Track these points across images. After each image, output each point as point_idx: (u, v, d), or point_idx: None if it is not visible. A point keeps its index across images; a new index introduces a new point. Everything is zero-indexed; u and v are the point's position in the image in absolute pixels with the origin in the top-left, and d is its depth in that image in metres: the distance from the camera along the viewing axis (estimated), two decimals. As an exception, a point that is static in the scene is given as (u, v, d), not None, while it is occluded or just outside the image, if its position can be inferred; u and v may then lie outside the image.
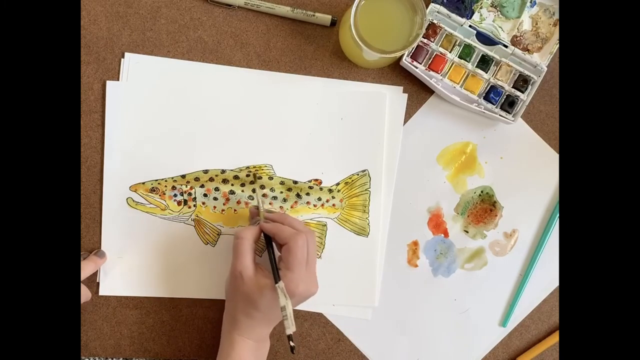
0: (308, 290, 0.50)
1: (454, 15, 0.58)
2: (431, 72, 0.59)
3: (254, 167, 0.59)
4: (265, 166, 0.59)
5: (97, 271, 0.58)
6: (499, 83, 0.59)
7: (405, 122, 0.61)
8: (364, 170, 0.60)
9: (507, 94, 0.60)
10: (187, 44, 0.59)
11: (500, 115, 0.59)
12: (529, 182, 0.62)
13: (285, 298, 0.47)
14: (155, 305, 0.59)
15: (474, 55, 0.59)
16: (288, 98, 0.60)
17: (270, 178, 0.60)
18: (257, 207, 0.55)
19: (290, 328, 0.47)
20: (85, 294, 0.56)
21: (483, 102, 0.59)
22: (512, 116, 0.59)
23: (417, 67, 0.59)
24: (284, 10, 0.59)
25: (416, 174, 0.61)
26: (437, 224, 0.61)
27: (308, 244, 0.50)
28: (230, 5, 0.59)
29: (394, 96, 0.61)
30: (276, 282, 0.48)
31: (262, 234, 0.53)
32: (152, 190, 0.59)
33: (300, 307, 0.60)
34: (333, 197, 0.60)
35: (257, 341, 0.52)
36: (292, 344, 0.47)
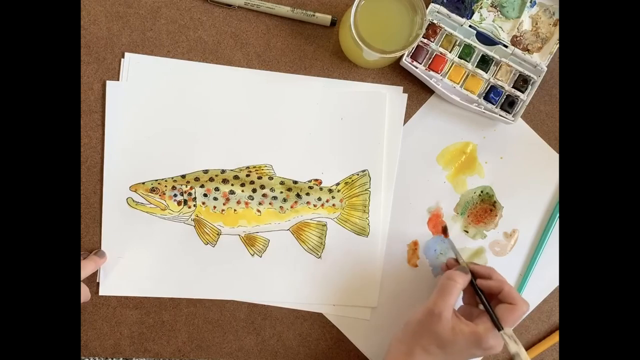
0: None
1: (454, 15, 0.58)
2: (431, 72, 0.59)
3: (254, 167, 0.59)
4: (265, 166, 0.60)
5: (97, 271, 0.58)
6: (499, 83, 0.59)
7: (405, 122, 0.61)
8: (364, 170, 0.60)
9: (507, 94, 0.60)
10: (187, 44, 0.59)
11: (500, 115, 0.59)
12: (529, 182, 0.62)
13: (516, 344, 0.50)
14: (155, 305, 0.59)
15: (474, 55, 0.60)
16: (288, 98, 0.60)
17: (270, 178, 0.60)
18: (455, 259, 0.57)
19: None
20: (85, 293, 0.56)
21: (483, 102, 0.59)
22: (512, 116, 0.59)
23: (417, 67, 0.59)
24: (284, 10, 0.59)
25: (416, 174, 0.61)
26: (437, 224, 0.61)
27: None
28: (230, 5, 0.59)
29: (394, 96, 0.61)
30: (500, 329, 0.50)
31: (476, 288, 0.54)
32: (152, 190, 0.59)
33: (300, 307, 0.60)
34: (333, 197, 0.60)
35: None
36: None
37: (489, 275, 0.54)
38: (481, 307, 0.54)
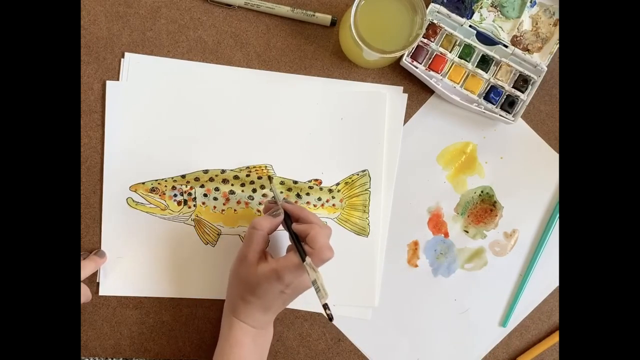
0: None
1: (454, 15, 0.58)
2: (431, 72, 0.59)
3: (254, 167, 0.59)
4: (265, 166, 0.59)
5: (97, 271, 0.58)
6: (499, 83, 0.59)
7: (405, 122, 0.61)
8: (364, 170, 0.60)
9: (507, 94, 0.60)
10: (187, 44, 0.59)
11: (500, 115, 0.59)
12: (529, 182, 0.62)
13: (314, 272, 0.48)
14: (155, 305, 0.59)
15: (474, 55, 0.60)
16: (288, 98, 0.60)
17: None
18: (274, 201, 0.55)
19: (324, 297, 0.47)
20: (85, 293, 0.56)
21: (483, 102, 0.59)
22: (512, 116, 0.59)
23: (417, 67, 0.59)
24: (284, 10, 0.59)
25: (416, 174, 0.61)
26: (437, 224, 0.61)
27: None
28: (230, 5, 0.59)
29: (394, 96, 0.61)
30: (303, 260, 0.49)
31: (284, 214, 0.53)
32: (152, 190, 0.59)
33: (300, 307, 0.60)
34: (333, 197, 0.60)
35: (255, 327, 0.53)
36: (328, 312, 0.48)
37: (298, 215, 0.53)
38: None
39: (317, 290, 0.48)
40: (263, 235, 0.52)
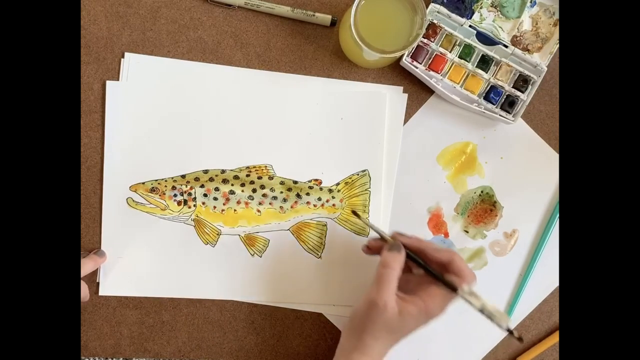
0: None
1: (454, 15, 0.58)
2: (431, 72, 0.59)
3: (254, 167, 0.59)
4: (265, 166, 0.60)
5: (97, 271, 0.58)
6: (499, 83, 0.59)
7: (405, 122, 0.61)
8: (364, 170, 0.60)
9: (507, 94, 0.60)
10: (187, 44, 0.59)
11: (500, 115, 0.59)
12: (529, 182, 0.62)
13: (478, 299, 0.48)
14: (155, 305, 0.59)
15: (474, 55, 0.60)
16: (288, 98, 0.60)
17: (270, 178, 0.60)
18: (380, 238, 0.54)
19: (505, 320, 0.47)
20: (84, 293, 0.56)
21: (483, 102, 0.59)
22: (512, 116, 0.59)
23: (417, 67, 0.59)
24: (284, 10, 0.59)
25: (416, 174, 0.61)
26: (437, 224, 0.61)
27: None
28: (230, 5, 0.59)
29: (394, 96, 0.61)
30: (456, 291, 0.49)
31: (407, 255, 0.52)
32: (152, 190, 0.59)
33: (300, 307, 0.60)
34: (333, 197, 0.60)
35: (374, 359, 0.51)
36: (516, 334, 0.47)
37: (419, 245, 0.52)
38: (415, 270, 0.54)
39: (492, 316, 0.47)
40: (397, 274, 0.50)
